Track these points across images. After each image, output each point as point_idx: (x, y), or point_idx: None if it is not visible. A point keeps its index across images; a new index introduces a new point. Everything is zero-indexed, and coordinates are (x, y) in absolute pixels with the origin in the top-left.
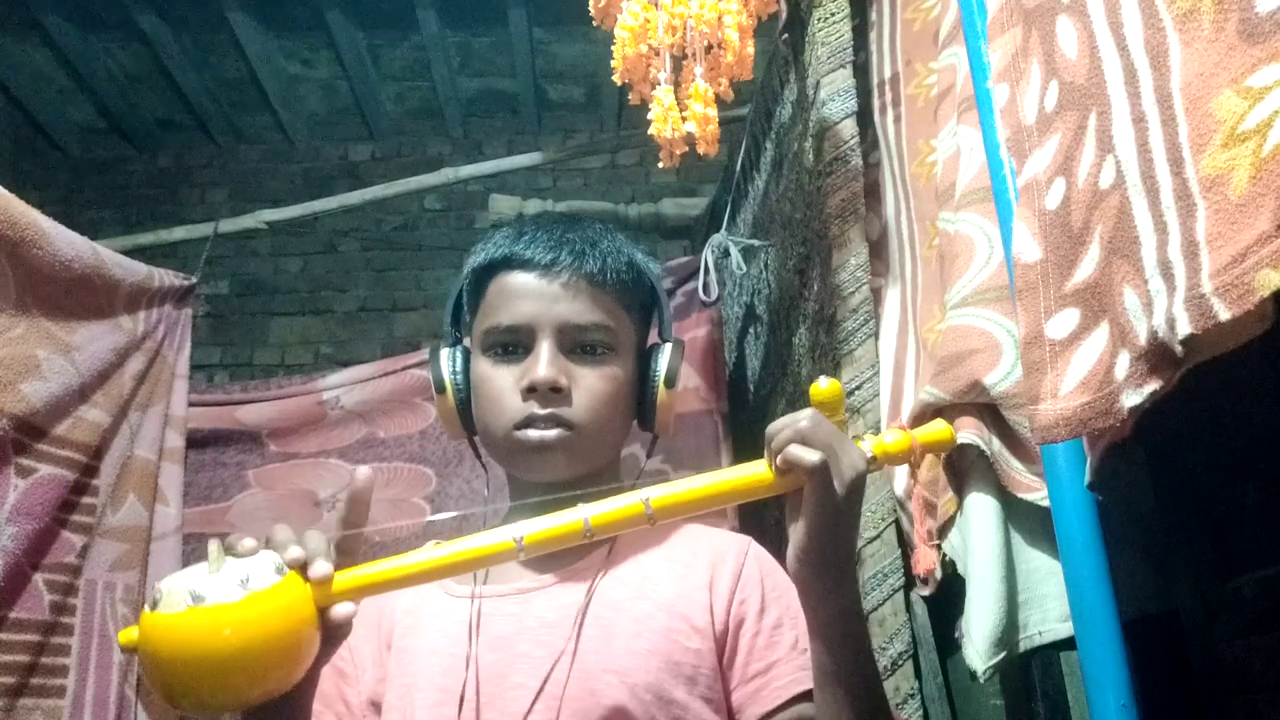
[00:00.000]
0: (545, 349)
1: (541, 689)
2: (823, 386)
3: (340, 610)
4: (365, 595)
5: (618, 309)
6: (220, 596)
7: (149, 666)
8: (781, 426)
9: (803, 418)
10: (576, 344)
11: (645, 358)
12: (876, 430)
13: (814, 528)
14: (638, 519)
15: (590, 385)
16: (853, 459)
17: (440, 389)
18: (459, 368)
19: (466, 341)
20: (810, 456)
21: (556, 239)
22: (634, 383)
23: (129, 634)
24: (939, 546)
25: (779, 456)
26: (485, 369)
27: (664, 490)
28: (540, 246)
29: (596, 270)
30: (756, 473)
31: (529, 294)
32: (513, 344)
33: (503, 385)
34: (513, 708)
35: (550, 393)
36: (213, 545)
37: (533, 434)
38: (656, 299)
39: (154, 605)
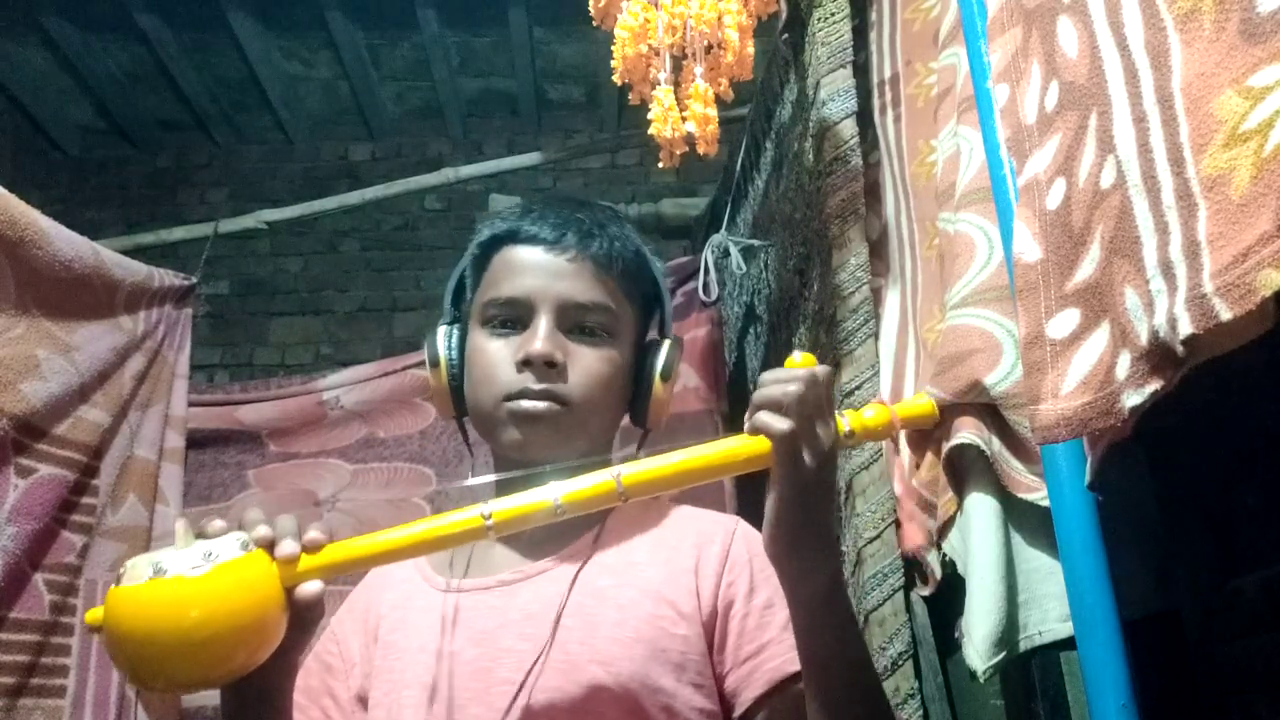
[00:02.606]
0: (543, 324)
1: (524, 682)
2: (797, 360)
3: (307, 589)
4: (333, 574)
5: (620, 295)
6: (182, 569)
7: (113, 642)
8: (762, 384)
9: (782, 379)
10: (576, 324)
11: (643, 352)
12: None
13: (783, 502)
14: (609, 496)
15: (587, 365)
16: (825, 431)
17: (434, 363)
18: (454, 344)
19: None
20: (778, 425)
21: (565, 217)
22: (630, 374)
23: (95, 613)
24: (938, 539)
25: (747, 422)
26: (481, 340)
27: (636, 466)
28: (548, 224)
29: (602, 253)
30: (732, 446)
31: (532, 268)
32: (511, 318)
33: (497, 357)
34: (499, 703)
35: (545, 367)
36: (180, 524)
37: (524, 404)
38: (659, 294)
39: (118, 581)
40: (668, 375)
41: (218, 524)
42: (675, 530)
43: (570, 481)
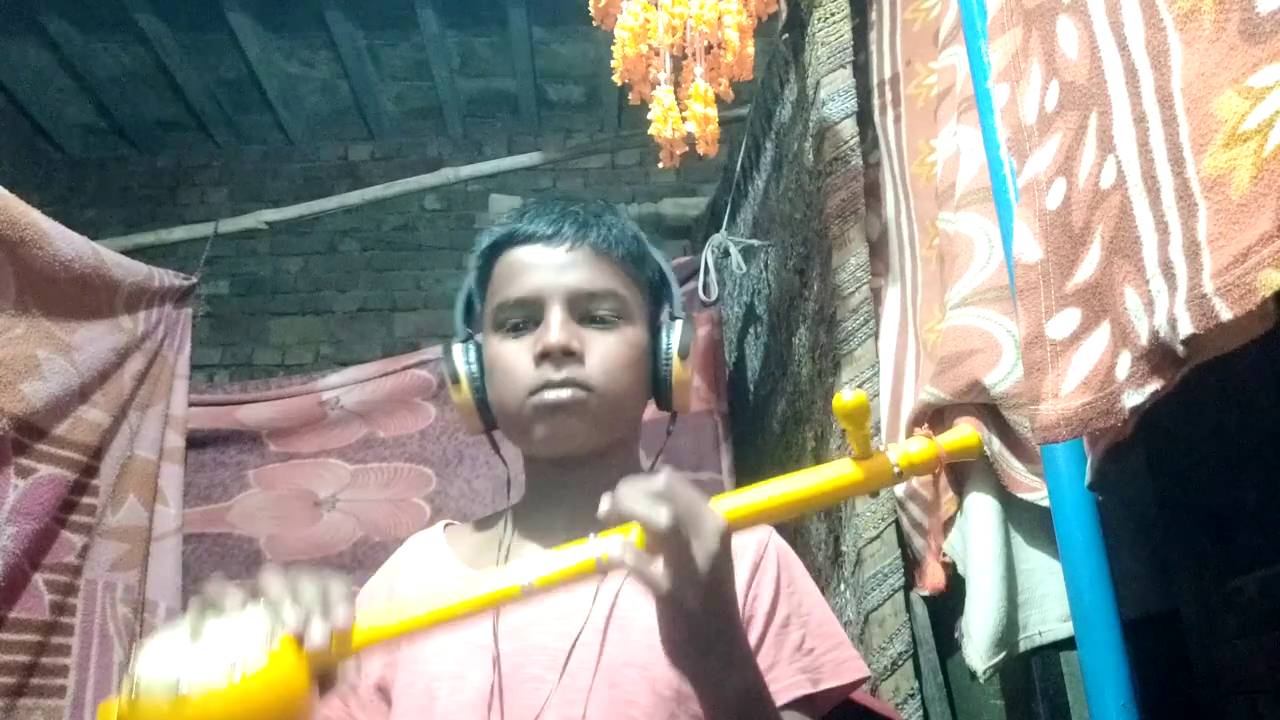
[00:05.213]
0: (555, 315)
1: (559, 681)
2: (846, 399)
3: (336, 668)
4: (359, 652)
5: (625, 279)
6: (206, 683)
7: None
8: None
9: (656, 482)
10: (587, 313)
11: (656, 335)
12: (876, 429)
13: (677, 607)
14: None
15: (604, 349)
16: (713, 523)
17: (455, 380)
18: (473, 359)
19: (479, 337)
20: (660, 518)
21: (559, 213)
22: (648, 357)
23: (109, 710)
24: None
25: (617, 508)
26: (498, 346)
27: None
28: (543, 220)
29: (601, 240)
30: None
31: (535, 266)
32: (524, 319)
33: (516, 357)
34: (529, 700)
35: (564, 356)
36: (193, 607)
37: (548, 395)
38: (663, 277)
39: (132, 692)
40: (685, 353)
41: (234, 598)
42: None
43: (609, 538)
